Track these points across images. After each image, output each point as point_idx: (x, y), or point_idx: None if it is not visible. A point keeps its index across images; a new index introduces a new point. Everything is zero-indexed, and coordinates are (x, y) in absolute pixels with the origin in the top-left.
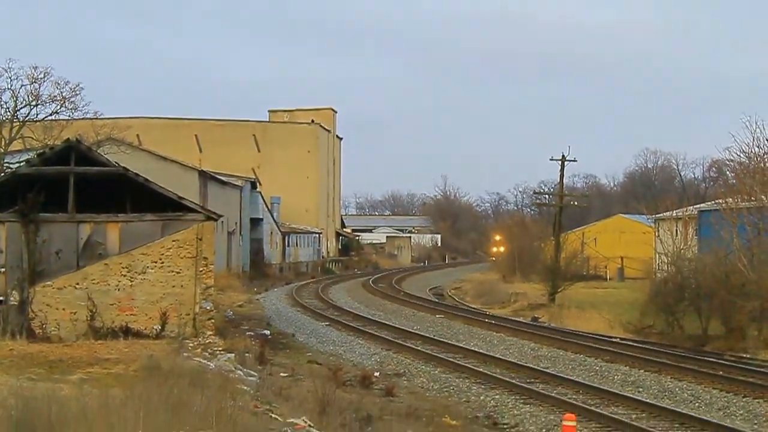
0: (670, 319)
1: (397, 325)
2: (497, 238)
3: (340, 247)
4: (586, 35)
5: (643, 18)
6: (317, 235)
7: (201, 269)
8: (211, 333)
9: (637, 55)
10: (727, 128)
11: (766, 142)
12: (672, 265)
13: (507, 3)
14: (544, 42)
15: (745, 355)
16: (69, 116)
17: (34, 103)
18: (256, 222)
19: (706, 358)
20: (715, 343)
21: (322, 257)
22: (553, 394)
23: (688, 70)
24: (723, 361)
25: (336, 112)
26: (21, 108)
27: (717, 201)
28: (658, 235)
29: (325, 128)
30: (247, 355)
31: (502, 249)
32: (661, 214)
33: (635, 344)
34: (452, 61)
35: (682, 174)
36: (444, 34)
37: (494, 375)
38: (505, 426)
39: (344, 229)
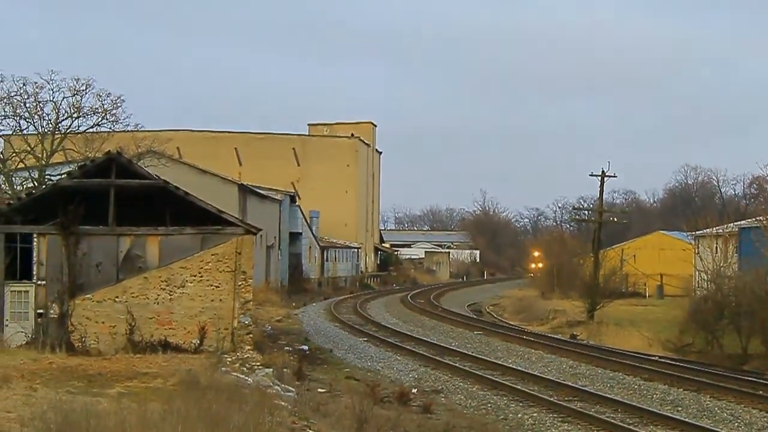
0: (710, 338)
1: (435, 342)
2: (536, 254)
3: (378, 262)
4: (629, 50)
5: (684, 34)
6: (356, 250)
7: (240, 283)
8: (249, 348)
9: (679, 70)
10: None
11: None
12: (712, 283)
13: (550, 21)
14: (586, 58)
15: None
16: (110, 128)
17: (75, 115)
18: (294, 236)
19: (746, 378)
20: (755, 362)
21: (361, 272)
22: (591, 413)
23: (730, 85)
24: (763, 381)
25: (376, 126)
26: (63, 120)
27: (758, 218)
28: (698, 252)
29: (364, 142)
30: (285, 370)
31: (540, 265)
32: (701, 231)
33: (674, 363)
34: (493, 76)
35: (723, 190)
36: (485, 50)
37: (532, 393)
38: None
39: (383, 244)
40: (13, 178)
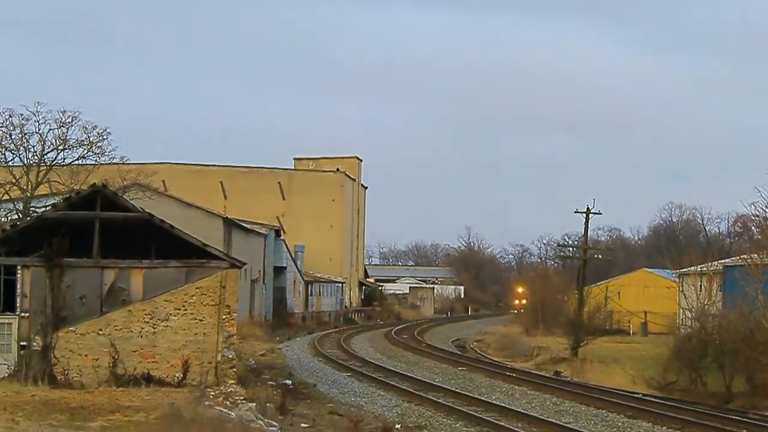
0: (694, 376)
1: (418, 377)
2: (520, 290)
3: (362, 296)
4: (611, 90)
5: (670, 74)
6: (340, 285)
7: (224, 317)
8: (232, 382)
9: (663, 110)
10: (753, 183)
11: None
12: (696, 321)
13: (534, 59)
14: (569, 97)
15: None
16: (96, 161)
17: (61, 147)
18: (279, 270)
19: (729, 416)
20: (739, 401)
21: (345, 307)
22: None
23: (714, 124)
24: (747, 419)
25: (361, 161)
26: (48, 152)
27: (742, 256)
28: (682, 290)
29: (350, 177)
30: (268, 404)
31: (524, 301)
32: (686, 269)
33: (658, 400)
34: (478, 112)
35: (707, 229)
36: (471, 87)
37: (516, 429)
38: None
39: (367, 279)
40: None
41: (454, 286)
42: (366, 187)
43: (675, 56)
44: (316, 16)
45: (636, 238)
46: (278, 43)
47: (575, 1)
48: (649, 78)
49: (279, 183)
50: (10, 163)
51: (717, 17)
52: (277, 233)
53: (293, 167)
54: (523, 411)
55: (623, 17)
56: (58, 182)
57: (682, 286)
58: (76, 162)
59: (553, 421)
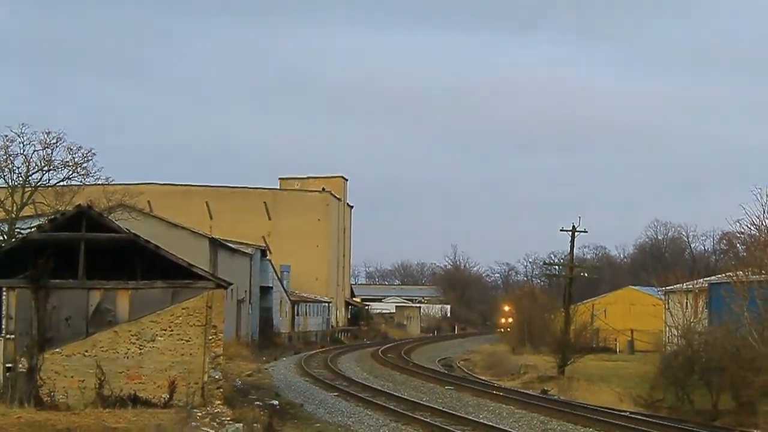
0: (680, 393)
1: (406, 397)
2: (507, 308)
3: (349, 316)
4: (597, 106)
5: (652, 90)
6: (327, 305)
7: (210, 337)
8: (219, 402)
9: (646, 127)
10: (738, 200)
11: None
12: (682, 338)
13: (516, 72)
14: (554, 112)
15: (755, 431)
16: (81, 182)
17: (46, 168)
18: (265, 290)
19: None
20: (726, 418)
21: (332, 326)
22: None
23: (698, 142)
24: None
25: (347, 180)
26: (33, 173)
27: (727, 274)
28: (668, 308)
29: (335, 196)
30: (255, 425)
31: (511, 320)
32: (671, 287)
33: (645, 418)
34: (463, 129)
35: (693, 246)
36: (454, 103)
37: None
38: None
39: (354, 299)
40: None
41: (440, 305)
42: (352, 207)
43: (659, 74)
44: (301, 37)
45: (622, 256)
46: (263, 63)
47: (556, 20)
48: (633, 96)
49: (264, 203)
50: None
51: (700, 34)
52: (263, 253)
53: (279, 187)
54: (510, 430)
55: (607, 35)
56: (43, 203)
57: (668, 303)
58: (61, 183)
59: None
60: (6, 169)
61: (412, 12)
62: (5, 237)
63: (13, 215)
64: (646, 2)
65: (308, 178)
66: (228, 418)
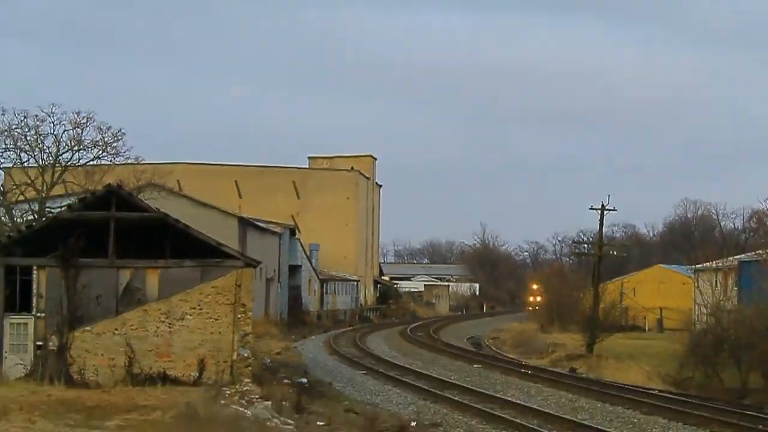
0: (710, 372)
1: (434, 375)
2: (535, 287)
3: (378, 295)
4: (625, 84)
5: (681, 68)
6: (355, 283)
7: (239, 316)
8: (248, 380)
9: (675, 105)
10: None
11: None
12: (711, 317)
13: (545, 57)
14: (583, 93)
15: None
16: (111, 161)
17: (76, 148)
18: (294, 269)
19: (746, 412)
20: (755, 396)
21: (360, 305)
22: None
23: (727, 120)
24: (763, 415)
25: (375, 159)
26: (63, 153)
27: (757, 252)
28: (698, 286)
29: (364, 175)
30: (284, 403)
31: (539, 298)
32: (701, 265)
33: (674, 396)
34: (491, 109)
35: (722, 224)
36: (483, 84)
37: (532, 426)
38: None
39: (382, 277)
40: (14, 211)
41: (469, 284)
42: (381, 186)
43: (686, 51)
44: (330, 15)
45: (651, 234)
46: (292, 42)
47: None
48: (661, 73)
49: (293, 182)
50: (26, 164)
51: (729, 10)
52: (292, 232)
53: (308, 166)
54: (538, 408)
55: (633, 14)
56: (74, 183)
57: (698, 282)
58: (91, 163)
59: (569, 417)
60: (36, 149)
61: None
62: (36, 216)
63: (44, 195)
64: None
65: (337, 157)
66: (257, 396)
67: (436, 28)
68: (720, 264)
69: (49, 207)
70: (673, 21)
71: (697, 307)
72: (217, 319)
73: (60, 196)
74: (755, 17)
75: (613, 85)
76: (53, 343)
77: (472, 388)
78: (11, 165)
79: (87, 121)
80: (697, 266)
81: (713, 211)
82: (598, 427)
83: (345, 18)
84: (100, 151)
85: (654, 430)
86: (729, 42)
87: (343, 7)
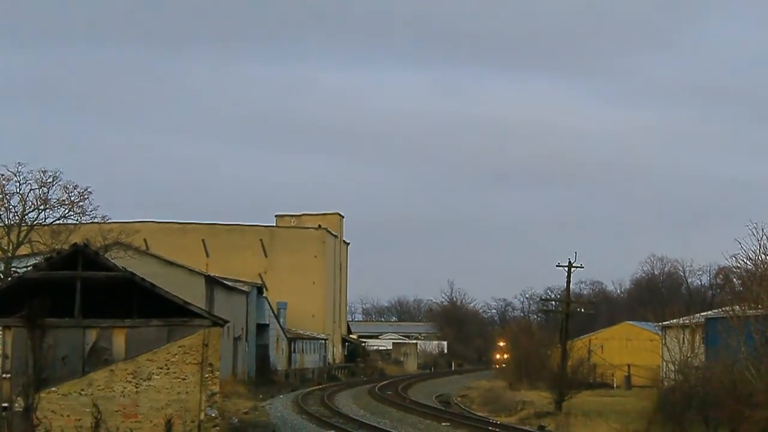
0: (678, 429)
1: None
2: (503, 344)
3: (346, 353)
4: (590, 142)
5: (646, 125)
6: (323, 341)
7: (206, 375)
8: None
9: (641, 161)
10: (734, 235)
11: None
12: (679, 374)
13: (509, 110)
14: (548, 148)
15: None
16: (77, 220)
17: (42, 207)
18: (262, 328)
19: None
20: None
21: (328, 363)
22: None
23: (693, 176)
24: None
25: (343, 217)
26: (29, 212)
27: (724, 308)
28: (665, 343)
29: (332, 233)
30: None
31: (507, 356)
32: (668, 322)
33: None
34: (457, 166)
35: (689, 281)
36: (448, 140)
37: None
38: None
39: (350, 335)
40: None
41: (437, 342)
42: (348, 243)
43: (648, 108)
44: (290, 74)
45: (618, 291)
46: (255, 100)
47: (539, 57)
48: (627, 130)
49: (261, 240)
50: None
51: (685, 69)
52: (260, 290)
53: (275, 224)
54: None
55: (595, 70)
56: (40, 242)
57: (665, 338)
58: (57, 222)
59: None
60: (2, 208)
61: (406, 52)
62: (2, 276)
63: (9, 254)
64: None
65: (304, 215)
66: None
67: (404, 86)
68: (687, 321)
69: (14, 267)
70: (635, 79)
71: (664, 363)
72: (184, 379)
73: (26, 255)
74: (725, 74)
75: (581, 141)
76: (19, 405)
77: None
78: None
79: (53, 180)
80: (664, 323)
81: (680, 267)
82: None
83: (306, 76)
84: (67, 210)
85: None
86: (695, 100)
87: (300, 66)
